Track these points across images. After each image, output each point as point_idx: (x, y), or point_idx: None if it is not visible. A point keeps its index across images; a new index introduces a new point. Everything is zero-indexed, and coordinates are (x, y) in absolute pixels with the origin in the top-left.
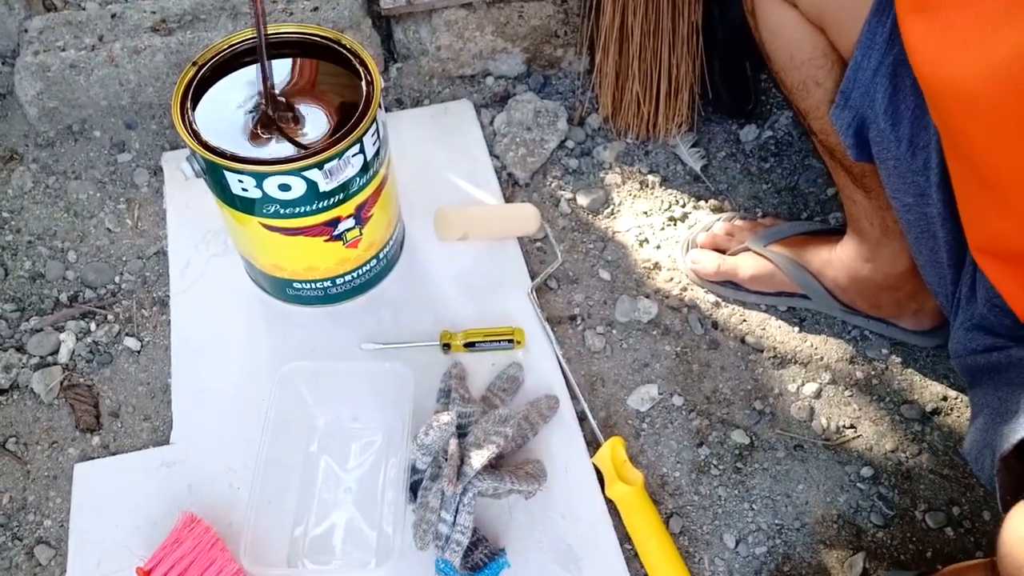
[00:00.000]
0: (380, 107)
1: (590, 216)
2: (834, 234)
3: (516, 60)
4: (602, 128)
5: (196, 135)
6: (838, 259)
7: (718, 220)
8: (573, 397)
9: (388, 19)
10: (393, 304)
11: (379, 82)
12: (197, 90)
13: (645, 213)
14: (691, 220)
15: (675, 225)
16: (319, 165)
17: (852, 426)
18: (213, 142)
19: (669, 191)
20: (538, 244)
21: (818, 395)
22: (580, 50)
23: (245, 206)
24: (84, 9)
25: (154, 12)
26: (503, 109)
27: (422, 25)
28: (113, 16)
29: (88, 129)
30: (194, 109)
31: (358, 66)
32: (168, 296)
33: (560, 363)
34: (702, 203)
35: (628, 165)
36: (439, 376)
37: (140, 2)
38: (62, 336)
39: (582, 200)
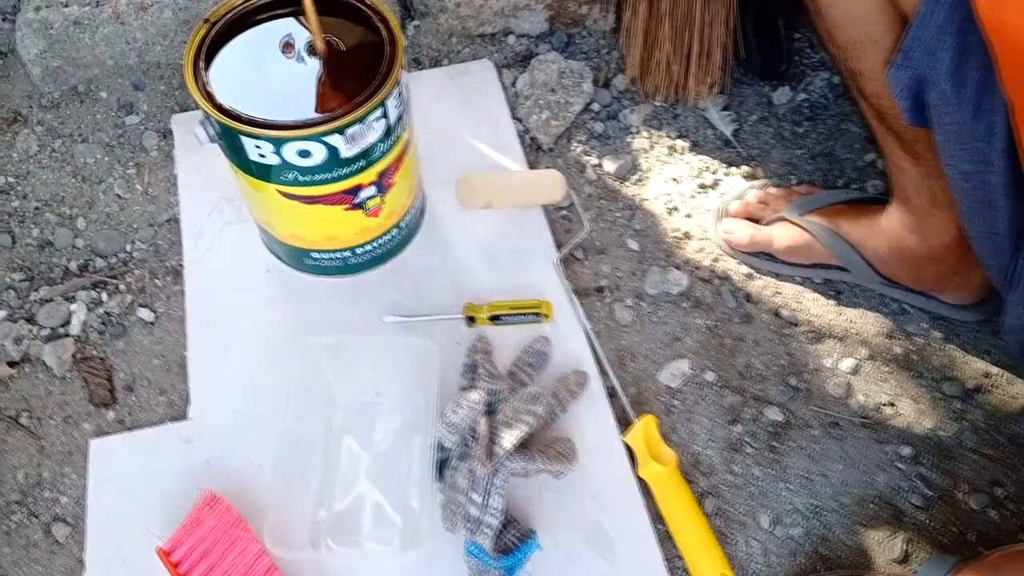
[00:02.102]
0: (403, 68)
1: (617, 183)
2: (874, 203)
3: (539, 18)
4: (628, 90)
5: (210, 97)
6: (880, 230)
7: (751, 188)
8: (602, 372)
9: None
10: (415, 274)
11: (401, 41)
12: (210, 49)
13: (674, 180)
14: (722, 187)
15: (706, 193)
16: (340, 130)
17: (891, 403)
18: (228, 105)
19: (699, 157)
20: (564, 212)
21: (855, 371)
22: (606, 7)
23: (262, 173)
24: None
25: None
26: (525, 70)
27: None
28: None
29: (94, 90)
30: (207, 70)
31: (378, 23)
32: (181, 266)
33: (589, 337)
34: (733, 169)
35: (656, 129)
36: (463, 350)
37: None
38: (73, 307)
39: (608, 166)
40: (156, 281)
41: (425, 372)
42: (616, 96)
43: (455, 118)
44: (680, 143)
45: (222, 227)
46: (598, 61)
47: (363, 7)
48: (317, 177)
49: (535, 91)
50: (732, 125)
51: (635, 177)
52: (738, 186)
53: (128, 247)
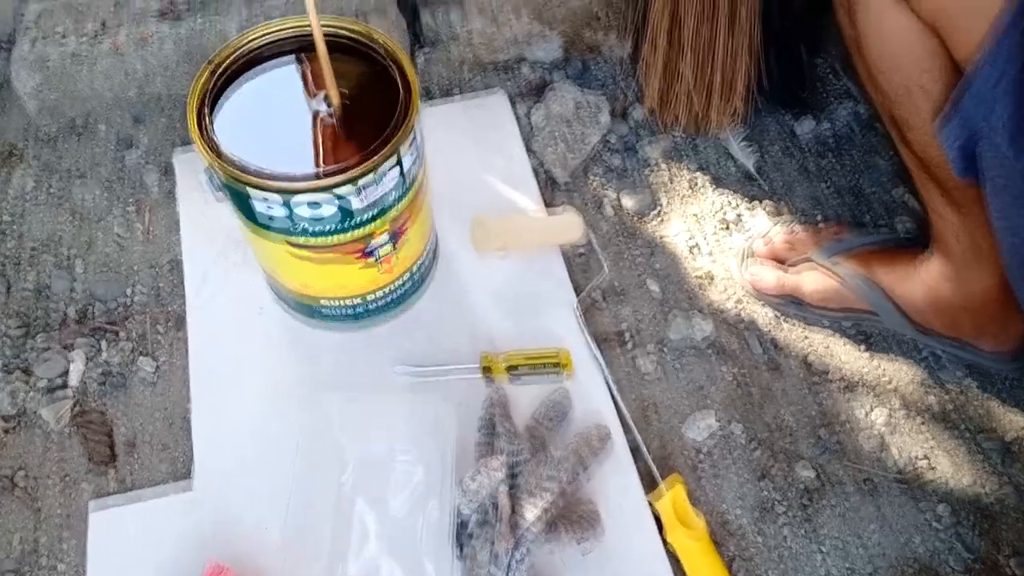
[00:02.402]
0: (419, 113)
1: (636, 220)
2: (906, 246)
3: (553, 45)
4: (647, 121)
5: (215, 148)
6: (915, 278)
7: (776, 227)
8: (625, 427)
9: (415, 3)
10: (427, 321)
11: (416, 86)
12: (215, 94)
13: (695, 217)
14: (746, 225)
15: (728, 230)
16: (352, 182)
17: (926, 458)
18: (234, 155)
19: (721, 192)
20: (581, 252)
21: (888, 423)
22: (623, 34)
23: (270, 226)
24: None
25: None
26: (540, 101)
27: (452, 9)
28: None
29: (92, 123)
30: (212, 116)
31: (391, 65)
32: (184, 312)
33: (610, 389)
34: (756, 205)
35: (676, 162)
36: (479, 403)
37: None
38: (71, 357)
39: (627, 202)
40: (157, 328)
41: (441, 431)
42: (633, 127)
43: (468, 153)
44: (701, 177)
45: (227, 270)
46: (614, 90)
47: (375, 48)
48: (328, 230)
49: (550, 123)
50: (754, 157)
51: (654, 213)
52: (762, 224)
53: (128, 292)
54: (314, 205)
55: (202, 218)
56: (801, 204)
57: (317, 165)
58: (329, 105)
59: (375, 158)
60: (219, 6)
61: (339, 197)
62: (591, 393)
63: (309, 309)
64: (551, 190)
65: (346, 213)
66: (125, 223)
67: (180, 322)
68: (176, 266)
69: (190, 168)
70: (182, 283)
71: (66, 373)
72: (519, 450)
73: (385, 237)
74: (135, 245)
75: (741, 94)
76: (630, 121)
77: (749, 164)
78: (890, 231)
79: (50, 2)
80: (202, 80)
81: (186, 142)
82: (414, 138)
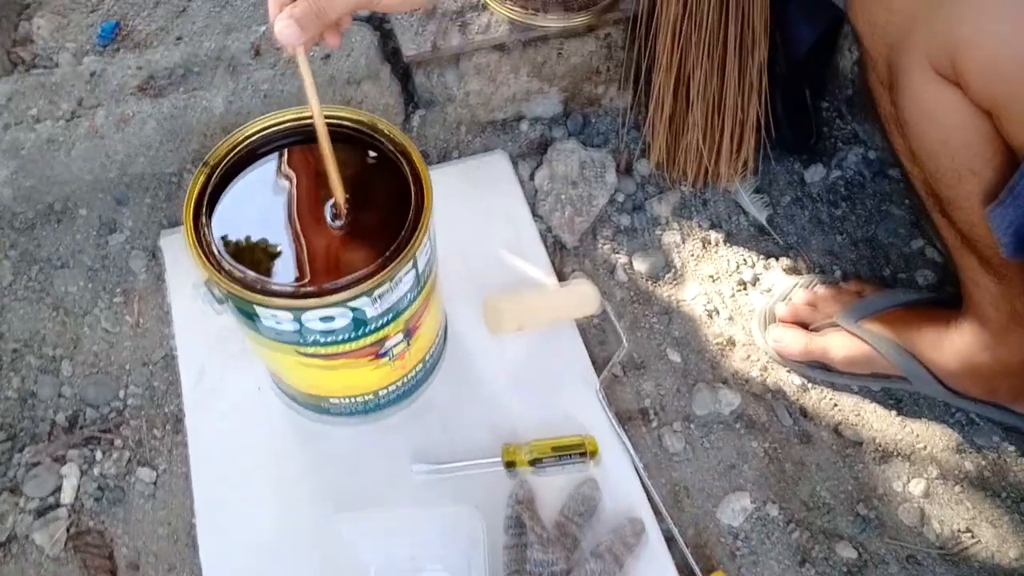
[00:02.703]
0: (433, 210)
1: (650, 284)
2: (935, 306)
3: (553, 101)
4: (653, 176)
5: (215, 260)
6: (951, 344)
7: (796, 287)
8: (656, 513)
9: (406, 65)
10: (442, 409)
11: (429, 180)
12: (211, 196)
13: (711, 278)
14: (763, 283)
15: (746, 291)
16: (368, 292)
17: (969, 530)
18: (238, 268)
19: (735, 249)
20: (597, 322)
21: (927, 494)
22: (624, 86)
23: (278, 338)
24: (57, 67)
25: (139, 68)
26: (542, 161)
27: (448, 70)
28: (92, 75)
29: (72, 208)
30: (210, 221)
31: (398, 156)
32: (182, 412)
33: (639, 475)
34: (773, 262)
35: (686, 219)
36: (502, 495)
37: (122, 56)
38: (63, 471)
39: (639, 265)
40: (155, 432)
41: (469, 541)
42: (640, 183)
43: (471, 220)
44: (713, 234)
45: (225, 363)
46: (616, 143)
47: (379, 139)
48: (340, 340)
49: (555, 185)
50: (766, 210)
51: (669, 276)
52: (779, 280)
53: (121, 393)
54: (327, 319)
55: (195, 305)
56: (817, 258)
57: (327, 274)
58: (337, 214)
59: (391, 266)
60: (202, 79)
61: (354, 309)
62: (619, 479)
63: (317, 406)
64: (560, 255)
65: (360, 322)
66: (113, 316)
67: (178, 423)
68: (171, 361)
69: (179, 251)
70: (178, 380)
71: (59, 490)
72: (554, 560)
73: (399, 337)
74: (125, 340)
75: (751, 145)
76: (636, 176)
77: (762, 218)
78: (912, 286)
79: (21, 82)
80: (198, 184)
81: (173, 223)
82: (429, 236)
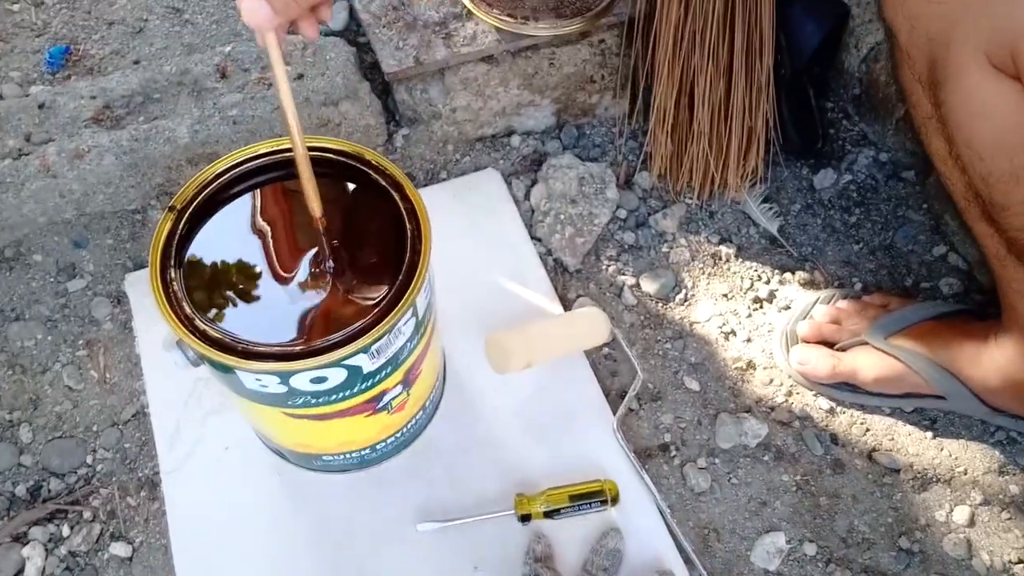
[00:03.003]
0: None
1: (660, 306)
2: (967, 317)
3: (545, 113)
4: (655, 188)
5: (189, 320)
6: (991, 359)
7: (817, 303)
8: (686, 560)
9: (386, 82)
10: (445, 456)
11: (426, 214)
12: (180, 246)
13: (725, 296)
14: (780, 299)
15: (762, 308)
16: (365, 348)
17: (1020, 560)
18: (215, 328)
19: (747, 264)
20: (606, 351)
21: (971, 522)
22: (620, 94)
23: (263, 400)
24: (1, 98)
25: (93, 96)
26: (537, 178)
27: (432, 85)
28: (41, 106)
29: (25, 253)
30: (179, 273)
31: (389, 189)
32: (158, 476)
33: (665, 519)
34: (788, 275)
35: (693, 234)
36: (515, 546)
37: (74, 84)
38: (25, 552)
39: (648, 286)
40: (128, 500)
41: None
42: (643, 197)
43: (465, 246)
44: (724, 249)
45: (204, 418)
46: (614, 155)
47: (366, 170)
48: (334, 399)
49: (553, 204)
50: (777, 220)
51: (679, 296)
52: (797, 295)
53: (89, 458)
54: (319, 380)
55: (167, 354)
56: (835, 269)
57: (317, 328)
58: (324, 258)
59: (390, 316)
60: (164, 107)
61: (348, 366)
62: (643, 524)
63: (309, 462)
64: (562, 280)
65: (355, 378)
66: (76, 371)
67: (155, 489)
68: (143, 419)
69: (146, 294)
70: (152, 440)
71: (21, 573)
72: None
73: (399, 388)
74: (91, 398)
75: (760, 151)
76: (637, 190)
77: (773, 228)
78: (936, 295)
79: None
80: (164, 231)
81: (138, 265)
82: (427, 277)
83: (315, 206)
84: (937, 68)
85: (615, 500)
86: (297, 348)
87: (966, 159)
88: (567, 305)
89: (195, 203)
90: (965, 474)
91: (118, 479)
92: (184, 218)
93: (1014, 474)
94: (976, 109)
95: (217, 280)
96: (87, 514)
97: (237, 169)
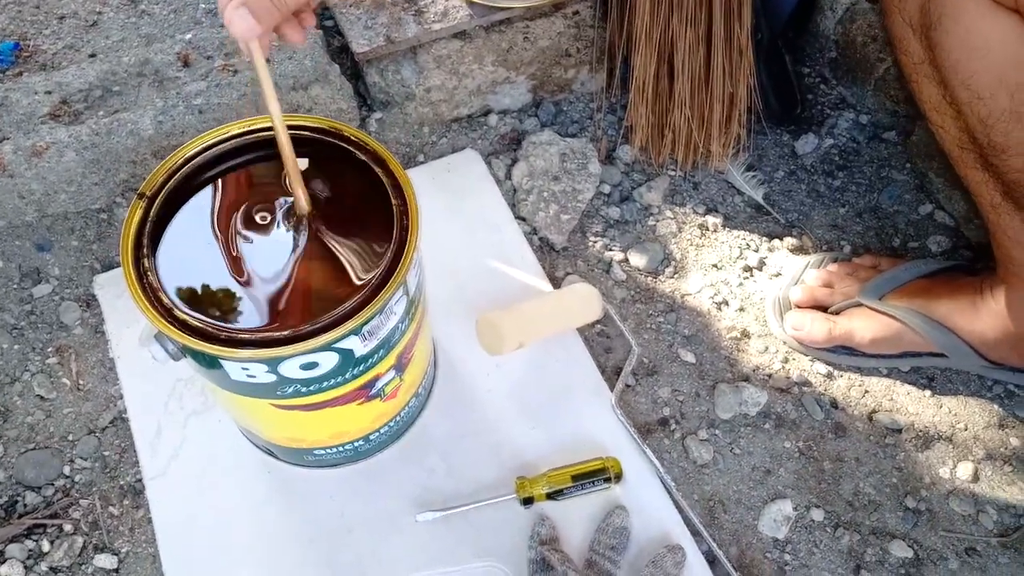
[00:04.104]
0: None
1: (650, 279)
2: (959, 272)
3: (521, 90)
4: (638, 162)
5: (167, 310)
6: (987, 311)
7: (807, 267)
8: (694, 534)
9: (356, 63)
10: (441, 444)
11: (412, 189)
12: (153, 232)
13: (715, 266)
14: (770, 267)
15: (753, 276)
16: (357, 330)
17: None
18: (196, 317)
19: (735, 232)
20: (599, 328)
21: (975, 477)
22: (596, 66)
23: (251, 391)
24: None
25: (48, 92)
26: (518, 157)
27: (404, 65)
28: None
29: None
30: (153, 263)
31: (372, 165)
32: (141, 482)
33: (671, 493)
34: (776, 242)
35: (679, 205)
36: (521, 537)
37: (27, 80)
38: (3, 571)
39: (636, 260)
40: (111, 510)
41: None
42: (625, 170)
43: (448, 229)
44: (710, 219)
45: (186, 419)
46: (594, 130)
47: (347, 146)
48: (325, 386)
49: (536, 182)
50: (761, 188)
51: (669, 269)
52: (786, 262)
53: (66, 469)
54: (309, 365)
55: (143, 355)
56: (822, 233)
57: (304, 311)
58: (305, 236)
59: (381, 294)
60: (125, 99)
61: (340, 350)
62: (648, 500)
63: (300, 457)
64: (550, 258)
65: (347, 363)
66: (47, 379)
67: (138, 496)
68: (121, 425)
69: (117, 296)
70: (132, 446)
71: None
72: None
73: (392, 373)
74: (65, 406)
75: (742, 118)
76: (619, 164)
77: (758, 196)
78: (925, 254)
79: None
80: (135, 220)
81: (107, 265)
82: (417, 252)
83: (303, 204)
84: (930, 9)
85: (618, 477)
86: (286, 332)
87: (964, 101)
88: (556, 284)
89: (165, 189)
90: (966, 430)
91: (99, 488)
92: (155, 205)
93: (1014, 427)
94: (975, 46)
95: (195, 268)
96: (68, 527)
97: (208, 152)
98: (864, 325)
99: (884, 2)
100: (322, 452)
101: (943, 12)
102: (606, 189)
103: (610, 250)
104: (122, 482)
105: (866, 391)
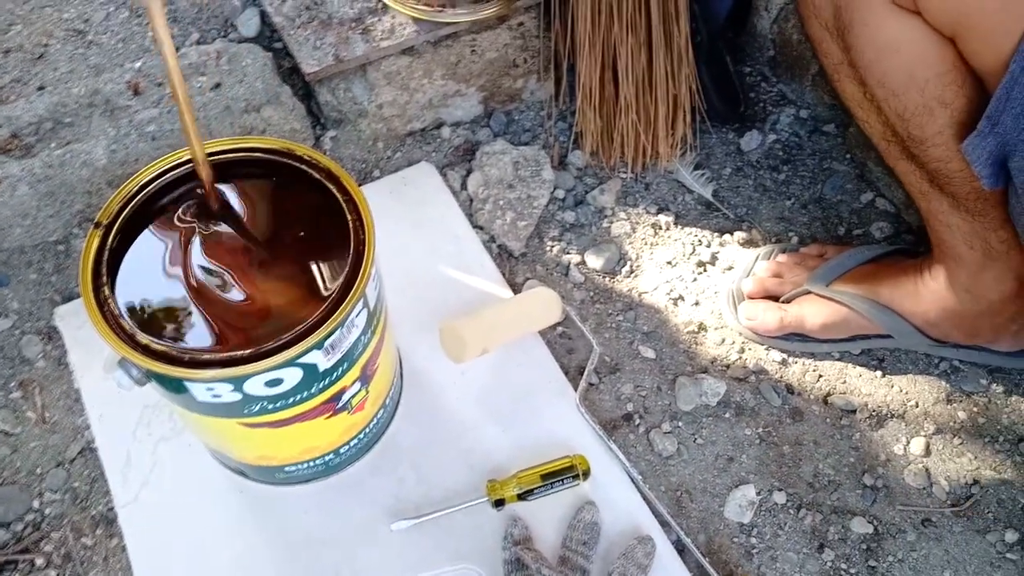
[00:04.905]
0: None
1: (608, 280)
2: (901, 256)
3: (472, 102)
4: (589, 166)
5: (129, 336)
6: (928, 292)
7: (757, 259)
8: (662, 524)
9: (307, 83)
10: (411, 453)
11: (366, 203)
12: (112, 261)
13: (669, 263)
14: (722, 261)
15: (706, 271)
16: (319, 344)
17: (975, 481)
18: (155, 339)
19: (686, 230)
20: (560, 330)
21: (927, 452)
22: (544, 75)
23: (217, 411)
24: None
25: None
26: (472, 167)
27: (355, 82)
28: None
29: None
30: (113, 290)
31: (325, 183)
32: (113, 511)
33: (638, 486)
34: (727, 237)
35: (631, 206)
36: (495, 539)
37: None
38: None
39: (593, 262)
40: (84, 540)
41: None
42: (578, 175)
43: (407, 241)
44: (662, 218)
45: (155, 445)
46: (545, 137)
47: (299, 165)
48: (291, 402)
49: (491, 191)
50: (710, 185)
51: (625, 269)
52: (738, 255)
53: (35, 503)
54: (274, 382)
55: (109, 385)
56: (770, 226)
57: (267, 329)
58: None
59: (342, 308)
60: (77, 130)
61: (304, 365)
62: (616, 494)
63: (271, 475)
64: (509, 265)
65: (312, 378)
66: (11, 414)
67: (111, 525)
68: (90, 455)
69: (79, 327)
70: (103, 475)
71: None
72: None
73: (357, 386)
74: (31, 440)
75: (687, 119)
76: (572, 169)
77: (707, 193)
78: (869, 240)
79: None
80: (92, 248)
81: (67, 297)
82: (375, 265)
83: (204, 172)
84: (842, 13)
85: (586, 474)
86: (249, 351)
87: (880, 98)
88: (516, 289)
89: (121, 217)
90: (916, 407)
91: (70, 520)
92: (112, 233)
93: (961, 401)
94: (885, 47)
95: (155, 293)
96: (39, 561)
97: (163, 178)
98: (814, 312)
99: (800, 8)
100: (293, 469)
101: (854, 16)
102: (560, 194)
103: (567, 253)
104: (94, 512)
105: (820, 375)
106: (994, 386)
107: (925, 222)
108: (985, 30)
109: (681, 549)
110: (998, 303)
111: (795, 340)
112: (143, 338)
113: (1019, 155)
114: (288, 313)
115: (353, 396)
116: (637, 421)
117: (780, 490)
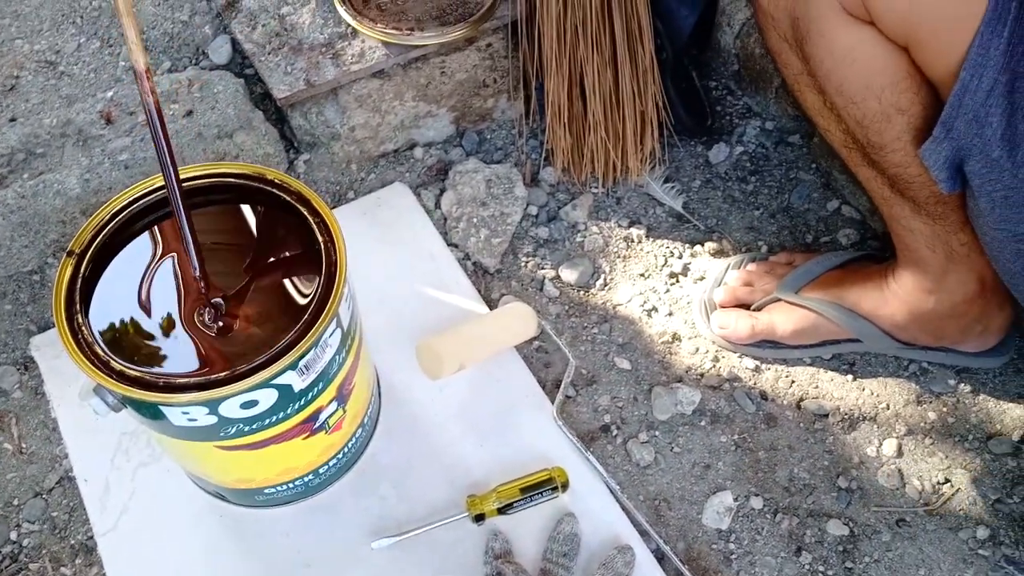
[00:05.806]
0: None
1: (582, 293)
2: (868, 261)
3: (443, 122)
4: (561, 182)
5: (104, 363)
6: (893, 295)
7: (728, 269)
8: (641, 533)
9: (279, 108)
10: (391, 471)
11: (337, 224)
12: (85, 289)
13: (642, 276)
14: (694, 271)
15: (679, 282)
16: (293, 365)
17: (947, 480)
18: (129, 365)
19: (658, 242)
20: (537, 344)
21: (899, 452)
22: (513, 95)
23: (193, 435)
24: None
25: None
26: (445, 187)
27: (327, 106)
28: None
29: None
30: (87, 317)
31: (296, 205)
32: (93, 540)
33: (616, 496)
34: (698, 248)
35: (604, 221)
36: (476, 554)
37: None
38: None
39: (567, 276)
40: (63, 571)
41: None
42: (550, 192)
43: (383, 261)
44: (634, 231)
45: (134, 472)
46: (517, 155)
47: (270, 189)
48: (267, 423)
49: (465, 209)
50: (680, 198)
51: (599, 282)
52: (709, 266)
53: (13, 535)
54: (249, 404)
55: (86, 414)
56: (740, 236)
57: (238, 352)
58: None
59: (314, 329)
60: (49, 160)
61: (278, 386)
62: (595, 505)
63: (251, 498)
64: (484, 281)
65: (287, 399)
66: None
67: (90, 554)
68: (68, 484)
69: (55, 356)
70: (81, 504)
71: None
72: None
73: (333, 405)
74: (8, 471)
75: (655, 134)
76: (544, 186)
77: (677, 206)
78: (837, 247)
79: None
80: (65, 277)
81: (43, 327)
82: (347, 285)
83: (139, 58)
84: (799, 24)
85: (565, 486)
86: (223, 373)
87: (840, 106)
88: (492, 305)
89: (94, 245)
90: (887, 409)
91: (48, 550)
92: (85, 261)
93: (930, 402)
94: (841, 57)
95: (129, 319)
96: None
97: (135, 206)
98: (784, 319)
99: (759, 20)
100: (272, 491)
101: (810, 27)
102: (533, 211)
103: (542, 268)
104: (73, 541)
105: (792, 381)
106: (962, 386)
107: (888, 227)
108: (935, 40)
109: (661, 557)
110: (962, 304)
111: (767, 347)
112: (117, 364)
113: (974, 159)
114: (262, 335)
115: (330, 416)
116: (614, 432)
117: (757, 495)
